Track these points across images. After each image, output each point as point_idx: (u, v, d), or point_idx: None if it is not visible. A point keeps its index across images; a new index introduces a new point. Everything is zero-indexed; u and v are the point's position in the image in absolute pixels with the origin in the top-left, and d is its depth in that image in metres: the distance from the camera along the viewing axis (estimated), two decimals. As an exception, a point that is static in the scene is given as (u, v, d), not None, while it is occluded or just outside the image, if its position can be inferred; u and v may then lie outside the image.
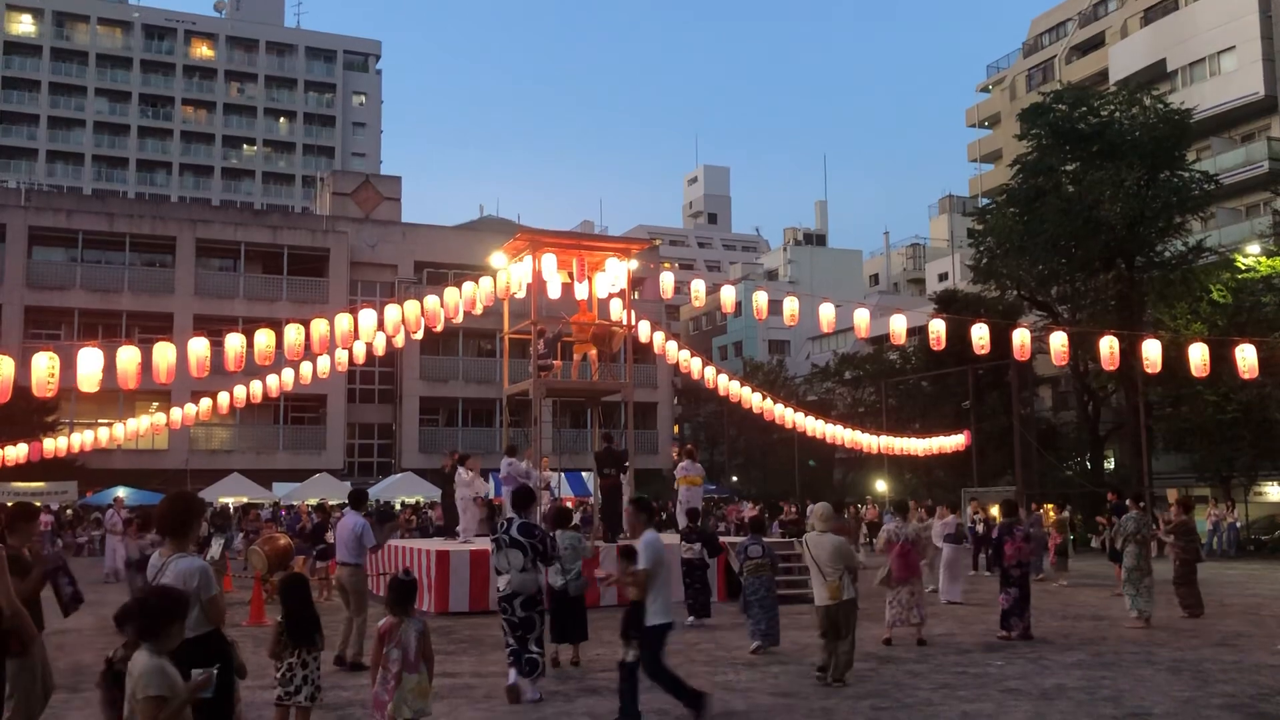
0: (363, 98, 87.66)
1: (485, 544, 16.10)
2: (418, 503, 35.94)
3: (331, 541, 20.85)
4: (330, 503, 29.87)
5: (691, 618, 13.76)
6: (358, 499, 11.68)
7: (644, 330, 21.57)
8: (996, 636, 12.50)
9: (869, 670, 10.35)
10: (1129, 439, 34.68)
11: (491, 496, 20.26)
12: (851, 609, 9.88)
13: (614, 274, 18.01)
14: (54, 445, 27.16)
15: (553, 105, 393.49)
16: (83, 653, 11.94)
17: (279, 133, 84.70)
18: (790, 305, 17.66)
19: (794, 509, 33.34)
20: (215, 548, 18.25)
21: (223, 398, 23.20)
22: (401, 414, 45.09)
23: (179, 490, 5.51)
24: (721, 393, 24.61)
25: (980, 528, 23.52)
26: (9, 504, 8.80)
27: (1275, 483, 35.54)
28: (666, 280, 20.49)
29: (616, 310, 19.64)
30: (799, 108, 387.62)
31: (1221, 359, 17.26)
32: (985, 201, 49.37)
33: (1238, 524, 30.94)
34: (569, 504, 23.04)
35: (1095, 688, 9.38)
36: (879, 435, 31.40)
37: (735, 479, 51.73)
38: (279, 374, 21.73)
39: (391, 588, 6.63)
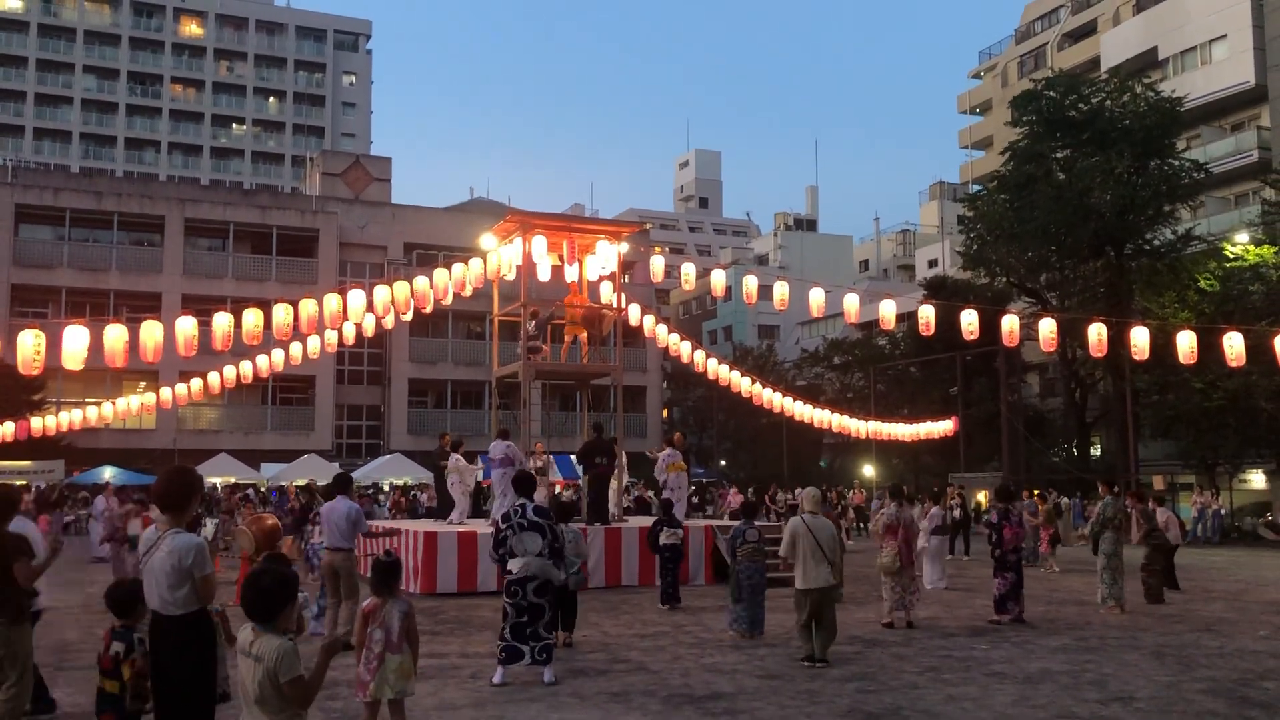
0: (353, 77, 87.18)
1: (474, 525, 16.17)
2: (405, 484, 35.94)
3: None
4: (318, 483, 29.87)
5: (666, 605, 13.84)
6: (344, 484, 11.57)
7: (634, 314, 21.55)
8: (989, 620, 12.55)
9: (855, 653, 10.39)
10: (1116, 426, 34.87)
11: (481, 479, 20.25)
12: (837, 592, 9.99)
13: (604, 257, 17.99)
14: (41, 424, 27.01)
15: (544, 88, 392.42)
16: (67, 631, 11.94)
17: (268, 112, 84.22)
18: (780, 290, 17.65)
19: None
20: (209, 527, 18.21)
21: (211, 378, 23.08)
22: (390, 395, 45.03)
23: (179, 466, 5.48)
24: (711, 377, 24.61)
25: (958, 513, 23.68)
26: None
27: (1260, 470, 35.75)
28: (657, 264, 20.44)
29: (606, 293, 19.62)
30: (791, 93, 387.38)
31: (1209, 347, 17.33)
32: (976, 188, 49.41)
33: (1222, 511, 31.13)
34: (560, 487, 23.12)
35: (1079, 672, 9.44)
36: (867, 420, 31.48)
37: (724, 463, 51.85)
38: (268, 354, 21.64)
39: (375, 569, 6.64)
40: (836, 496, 33.63)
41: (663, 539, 14.22)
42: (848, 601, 14.53)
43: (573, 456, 21.94)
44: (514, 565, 8.82)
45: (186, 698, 4.87)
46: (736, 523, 12.75)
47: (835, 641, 10.04)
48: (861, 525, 30.74)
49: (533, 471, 13.02)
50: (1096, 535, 13.84)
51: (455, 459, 17.36)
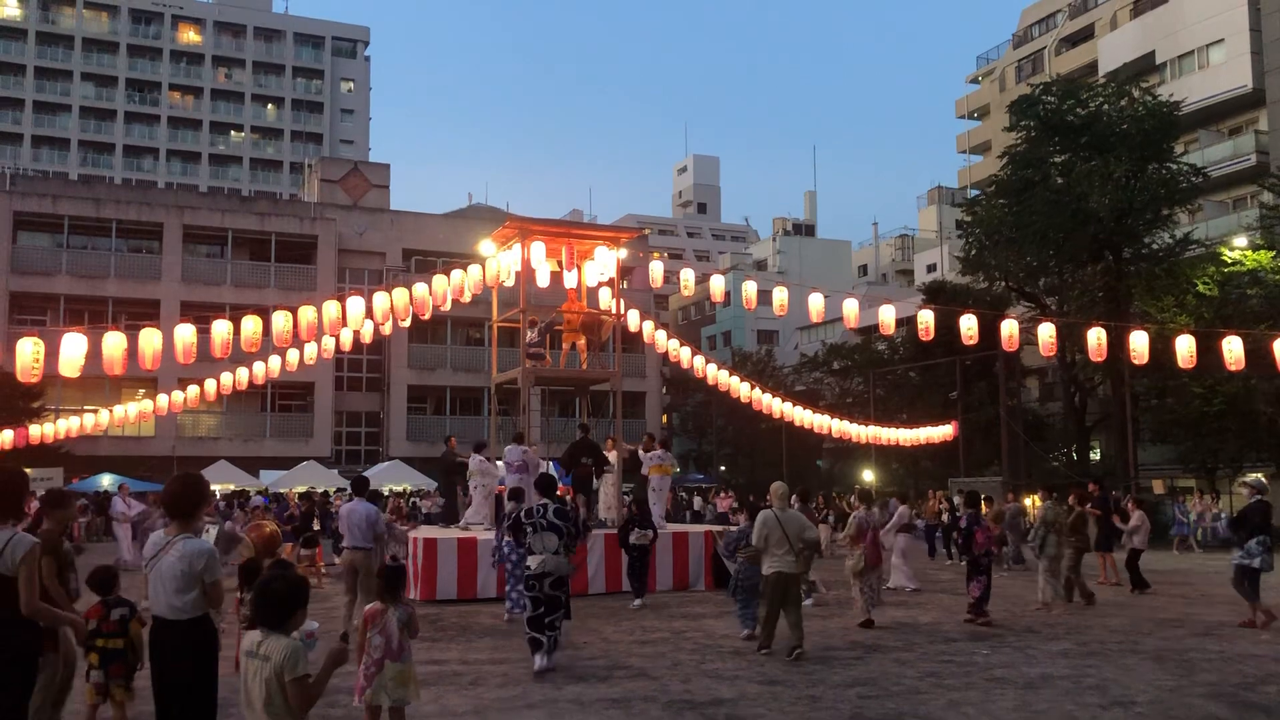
0: (351, 84, 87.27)
1: (478, 532, 16.11)
2: (405, 490, 35.88)
3: (318, 529, 20.86)
4: (318, 490, 29.82)
5: (639, 600, 14.42)
6: (361, 486, 12.19)
7: (633, 319, 21.53)
8: (962, 620, 12.78)
9: (855, 658, 10.37)
10: (1115, 430, 34.81)
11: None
12: (801, 580, 10.81)
13: (603, 263, 17.96)
14: (40, 431, 27.01)
15: (542, 94, 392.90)
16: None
17: (267, 119, 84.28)
18: (779, 295, 17.67)
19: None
20: (211, 533, 18.17)
21: (210, 385, 23.07)
22: (389, 402, 45.02)
23: (188, 473, 5.47)
24: (710, 382, 24.59)
25: (946, 517, 23.68)
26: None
27: (1260, 474, 35.68)
28: (655, 269, 20.43)
29: (605, 299, 19.60)
30: (789, 98, 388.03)
31: (1208, 351, 17.33)
32: (974, 193, 49.42)
33: (1223, 514, 31.08)
34: (562, 493, 22.97)
35: (1080, 677, 9.43)
36: (867, 425, 31.45)
37: (723, 468, 51.81)
38: (266, 361, 21.63)
39: (381, 575, 6.66)
40: (822, 500, 33.53)
41: (632, 539, 14.73)
42: (843, 605, 14.51)
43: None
44: (533, 562, 9.64)
45: (189, 703, 4.87)
46: (733, 527, 12.89)
47: (835, 646, 10.04)
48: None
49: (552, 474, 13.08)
50: (1041, 539, 14.19)
51: (478, 460, 17.15)
